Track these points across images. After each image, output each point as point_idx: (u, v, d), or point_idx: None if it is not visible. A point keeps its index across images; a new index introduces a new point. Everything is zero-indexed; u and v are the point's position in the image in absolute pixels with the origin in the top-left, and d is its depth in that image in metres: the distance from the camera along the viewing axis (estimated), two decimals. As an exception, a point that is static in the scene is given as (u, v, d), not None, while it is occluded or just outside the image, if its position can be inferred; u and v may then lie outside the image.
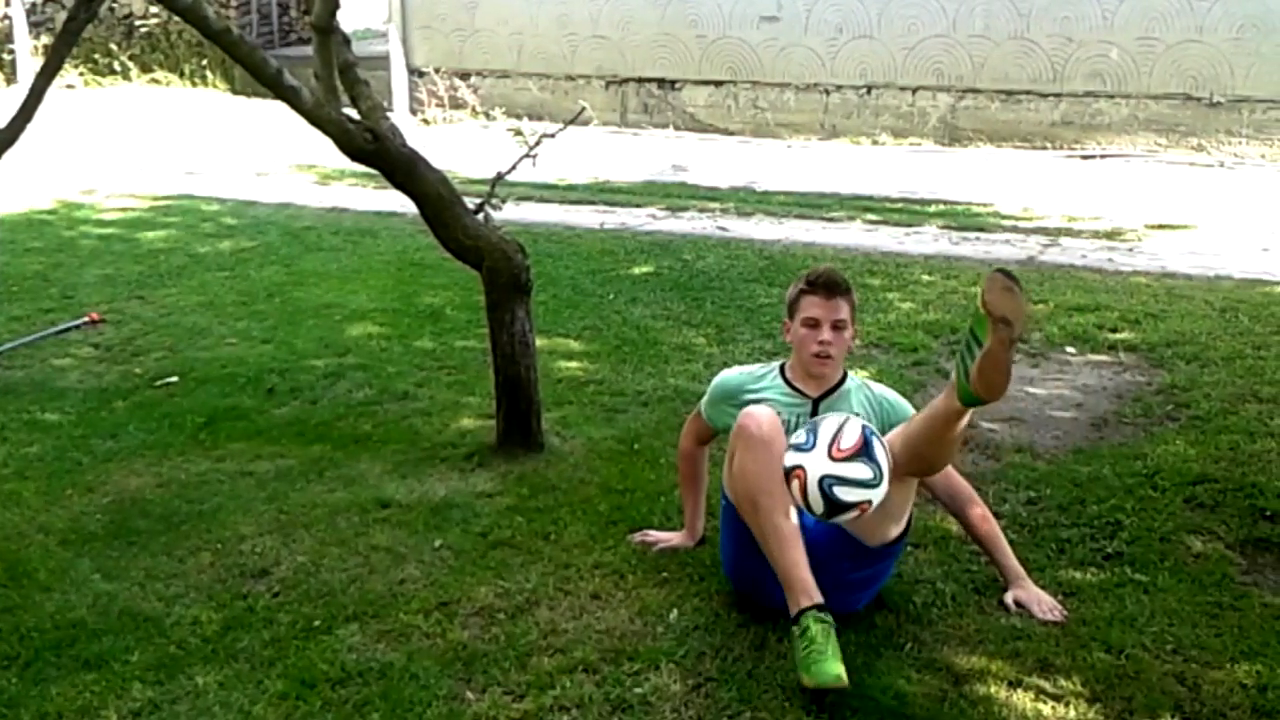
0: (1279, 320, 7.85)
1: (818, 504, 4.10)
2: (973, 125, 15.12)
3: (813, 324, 4.67)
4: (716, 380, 4.94)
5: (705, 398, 4.95)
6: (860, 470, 4.09)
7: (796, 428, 4.62)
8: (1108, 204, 11.69)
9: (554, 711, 3.94)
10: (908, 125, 15.45)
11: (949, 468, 4.77)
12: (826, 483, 4.08)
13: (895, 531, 4.40)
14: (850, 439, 4.14)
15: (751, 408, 4.44)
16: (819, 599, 4.06)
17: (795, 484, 4.15)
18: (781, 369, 4.82)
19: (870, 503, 4.11)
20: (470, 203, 5.94)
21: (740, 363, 6.85)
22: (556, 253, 9.94)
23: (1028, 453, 5.95)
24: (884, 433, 4.60)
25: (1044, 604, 4.58)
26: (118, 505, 5.57)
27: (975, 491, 4.90)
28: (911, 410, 4.79)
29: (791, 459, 4.19)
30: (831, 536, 4.30)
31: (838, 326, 4.66)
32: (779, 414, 4.55)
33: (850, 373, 4.85)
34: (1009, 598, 4.62)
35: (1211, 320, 7.89)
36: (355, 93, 5.75)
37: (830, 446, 4.13)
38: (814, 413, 4.67)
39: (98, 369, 7.51)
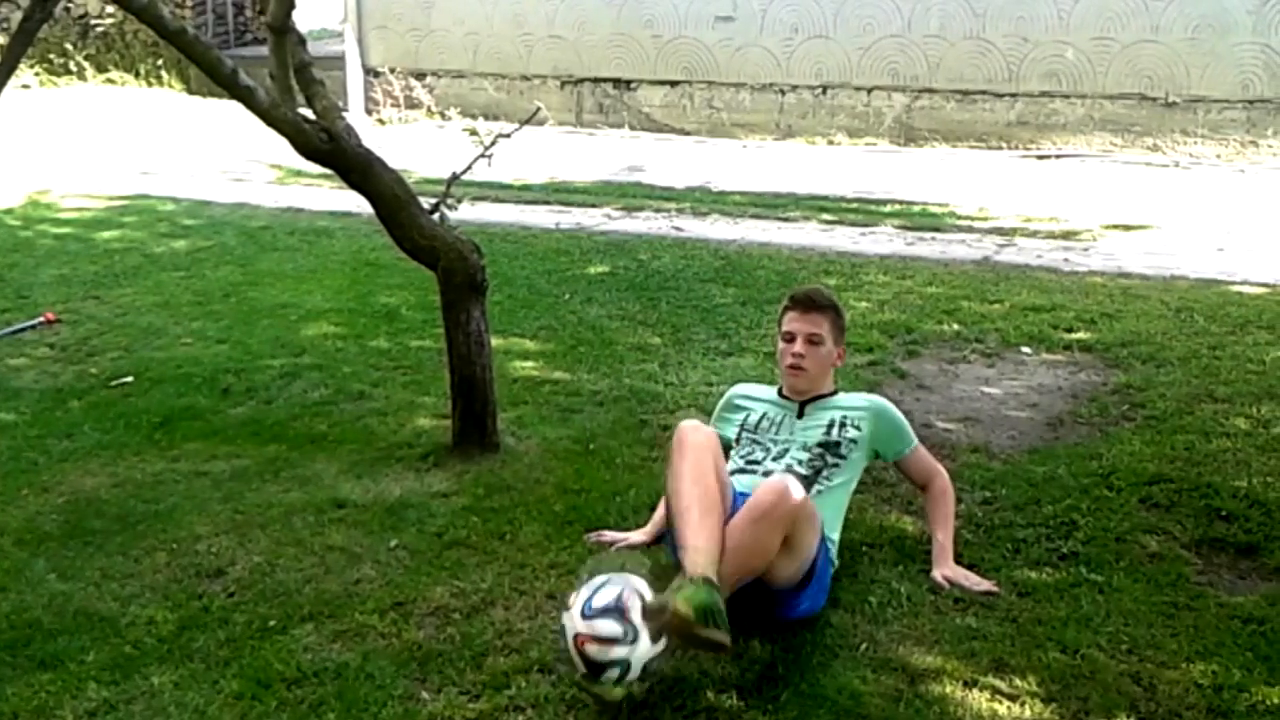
0: (1234, 320, 7.88)
1: (579, 665, 3.89)
2: (928, 125, 15.14)
3: (789, 338, 4.96)
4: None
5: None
6: (610, 627, 3.84)
7: (780, 428, 4.83)
8: (1063, 204, 11.70)
9: (509, 711, 3.95)
10: (863, 125, 15.46)
11: (924, 452, 5.03)
12: (579, 641, 3.86)
13: (791, 571, 4.29)
14: (605, 598, 3.90)
15: (691, 421, 4.53)
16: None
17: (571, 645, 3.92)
18: (781, 386, 5.11)
19: (629, 663, 3.83)
20: (426, 203, 5.93)
21: (695, 363, 6.99)
22: (512, 253, 9.92)
23: (983, 452, 5.97)
24: (877, 444, 4.92)
25: (972, 579, 4.71)
26: (73, 505, 5.55)
27: (942, 469, 5.06)
28: (905, 424, 5.06)
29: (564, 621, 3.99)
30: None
31: (813, 341, 4.91)
32: (765, 413, 5.00)
33: (843, 393, 5.16)
34: (938, 575, 4.73)
35: (1167, 320, 7.92)
36: (311, 92, 5.74)
37: (584, 605, 3.91)
38: (800, 413, 4.96)
39: (53, 369, 7.48)
